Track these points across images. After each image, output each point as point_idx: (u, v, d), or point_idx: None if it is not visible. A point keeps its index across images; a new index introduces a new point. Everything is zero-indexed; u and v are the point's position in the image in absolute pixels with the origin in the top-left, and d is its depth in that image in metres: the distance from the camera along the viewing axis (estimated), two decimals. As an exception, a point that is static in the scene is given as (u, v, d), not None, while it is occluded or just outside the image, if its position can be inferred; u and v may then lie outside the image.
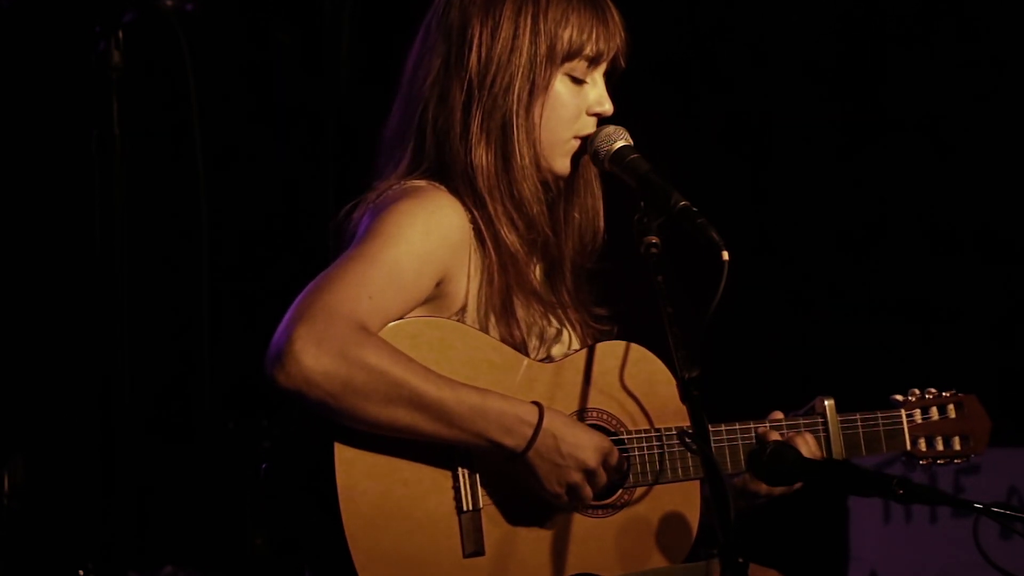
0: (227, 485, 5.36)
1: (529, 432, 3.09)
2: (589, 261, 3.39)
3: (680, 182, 3.19)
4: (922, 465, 3.54)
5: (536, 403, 3.13)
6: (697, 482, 3.30)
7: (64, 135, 4.89)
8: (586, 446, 3.13)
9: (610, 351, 3.29)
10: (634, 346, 3.30)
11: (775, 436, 3.32)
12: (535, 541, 3.17)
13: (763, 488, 3.34)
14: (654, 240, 3.10)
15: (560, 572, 3.18)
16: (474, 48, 3.23)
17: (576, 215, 3.37)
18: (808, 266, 6.03)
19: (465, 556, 3.11)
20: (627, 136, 3.29)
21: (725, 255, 3.06)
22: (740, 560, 2.81)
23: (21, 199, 5.42)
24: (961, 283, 6.00)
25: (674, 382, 3.25)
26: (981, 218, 6.01)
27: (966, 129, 5.99)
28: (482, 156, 3.23)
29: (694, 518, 3.29)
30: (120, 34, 2.74)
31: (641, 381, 3.29)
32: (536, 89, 3.24)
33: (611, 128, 3.30)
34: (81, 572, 4.23)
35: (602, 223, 3.39)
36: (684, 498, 3.29)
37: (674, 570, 3.25)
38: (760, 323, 5.65)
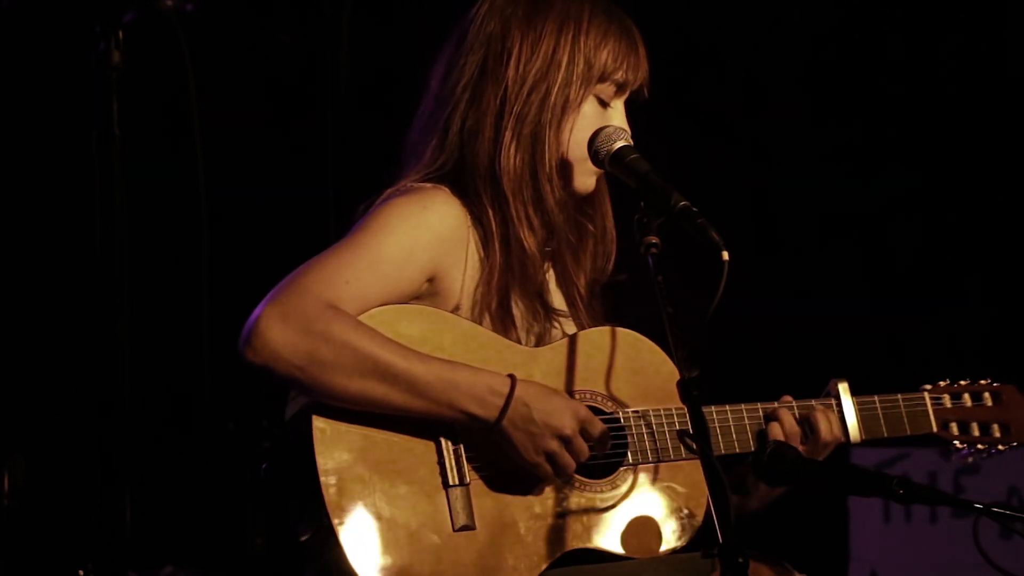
0: (227, 485, 5.36)
1: (500, 402, 3.11)
2: (603, 277, 3.42)
3: (680, 182, 3.19)
4: (957, 449, 3.49)
5: (510, 375, 3.14)
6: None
7: (64, 135, 4.89)
8: (561, 413, 3.15)
9: (596, 336, 3.31)
10: (620, 329, 3.32)
11: (785, 413, 3.33)
12: (529, 516, 3.18)
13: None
14: (654, 240, 3.11)
15: (557, 547, 3.18)
16: (513, 57, 3.28)
17: (591, 228, 3.41)
18: (806, 266, 6.03)
19: (455, 530, 3.12)
20: (627, 136, 3.31)
21: (725, 255, 3.07)
22: (740, 560, 2.81)
23: (21, 199, 5.42)
24: (959, 286, 6.00)
25: (667, 361, 3.30)
26: (987, 212, 6.01)
27: (965, 128, 6.00)
28: (510, 159, 3.27)
29: (700, 497, 3.28)
30: (120, 34, 2.74)
31: (632, 362, 3.30)
32: (569, 106, 3.29)
33: (611, 128, 3.31)
34: (81, 572, 4.23)
35: (614, 244, 3.43)
36: (689, 479, 3.29)
37: (672, 560, 3.25)
38: (754, 323, 5.64)
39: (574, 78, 3.28)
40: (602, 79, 3.31)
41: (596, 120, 3.32)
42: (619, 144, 3.29)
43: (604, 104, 3.33)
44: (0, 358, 5.34)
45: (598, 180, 3.38)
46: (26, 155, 5.40)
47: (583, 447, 3.17)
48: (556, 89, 3.28)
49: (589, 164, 3.32)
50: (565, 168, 3.30)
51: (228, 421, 5.34)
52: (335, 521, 3.04)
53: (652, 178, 3.21)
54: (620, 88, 3.34)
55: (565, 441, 3.15)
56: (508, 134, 3.26)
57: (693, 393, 2.99)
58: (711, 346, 2.99)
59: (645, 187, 3.21)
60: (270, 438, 5.14)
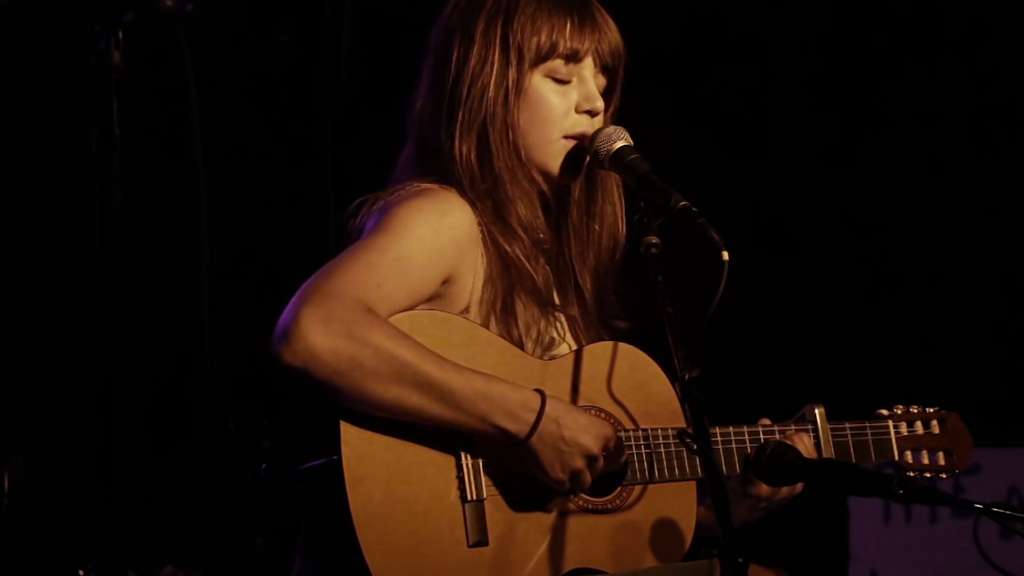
0: (227, 485, 5.37)
1: (532, 417, 3.10)
2: (612, 266, 3.40)
3: (679, 182, 3.19)
4: (910, 477, 3.54)
5: (539, 390, 3.14)
6: (694, 483, 3.31)
7: (64, 135, 4.90)
8: (589, 431, 3.15)
9: (600, 352, 3.30)
10: (623, 345, 3.31)
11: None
12: (538, 533, 3.18)
13: (764, 491, 3.33)
14: (654, 240, 3.11)
15: (561, 565, 3.18)
16: (452, 65, 3.30)
17: (596, 226, 3.39)
18: (802, 268, 6.04)
19: (470, 546, 3.12)
20: (627, 136, 3.30)
21: (725, 255, 3.06)
22: (740, 560, 2.81)
23: (21, 199, 5.43)
24: (958, 287, 6.01)
25: (666, 381, 3.28)
26: (977, 223, 6.01)
27: (961, 134, 6.00)
28: (472, 168, 3.26)
29: (691, 519, 3.30)
30: (120, 34, 2.74)
31: (633, 380, 3.30)
32: (510, 93, 3.28)
33: (611, 128, 3.30)
34: (81, 572, 4.24)
35: (622, 231, 3.40)
36: (681, 499, 3.30)
37: (676, 568, 3.26)
38: (750, 328, 5.64)
39: (509, 69, 3.27)
40: (543, 59, 3.29)
41: (554, 99, 3.30)
42: (619, 144, 3.28)
43: (562, 81, 3.31)
44: (0, 358, 5.35)
45: (588, 166, 3.35)
46: (26, 155, 5.41)
47: (604, 465, 3.18)
48: (492, 84, 3.27)
49: (554, 146, 3.30)
50: (527, 156, 3.29)
51: (228, 421, 5.35)
52: (361, 536, 3.03)
53: (652, 178, 3.20)
54: (571, 59, 3.31)
55: (591, 459, 3.15)
56: (461, 143, 3.27)
57: (693, 393, 2.99)
58: (710, 347, 2.99)
59: (645, 187, 3.20)
60: (270, 438, 5.16)
